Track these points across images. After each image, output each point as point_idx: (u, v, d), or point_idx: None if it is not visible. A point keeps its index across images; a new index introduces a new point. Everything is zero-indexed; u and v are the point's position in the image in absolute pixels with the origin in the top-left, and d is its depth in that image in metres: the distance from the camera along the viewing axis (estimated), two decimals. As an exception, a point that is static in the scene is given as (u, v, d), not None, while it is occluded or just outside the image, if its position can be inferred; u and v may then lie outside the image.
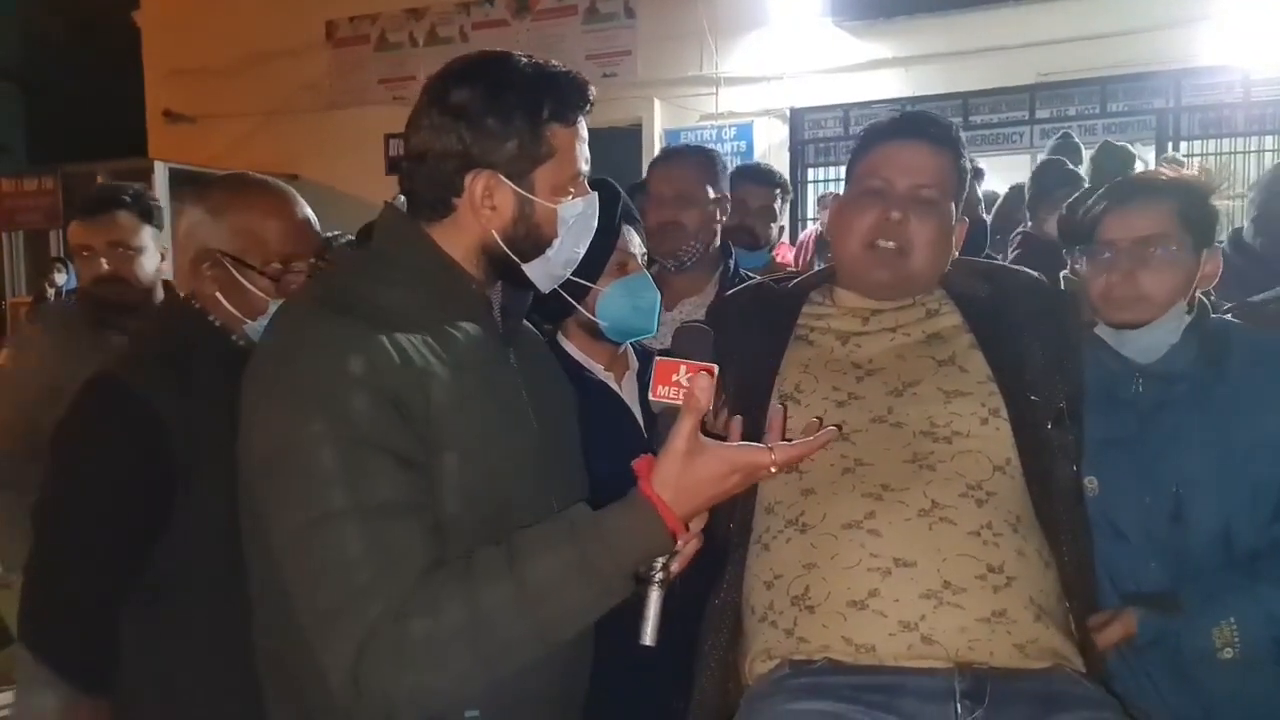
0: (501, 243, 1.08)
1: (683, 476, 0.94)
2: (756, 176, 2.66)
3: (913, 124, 1.33)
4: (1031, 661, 1.07)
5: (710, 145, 7.23)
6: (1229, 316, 1.52)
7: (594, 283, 1.44)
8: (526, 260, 1.10)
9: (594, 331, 1.55)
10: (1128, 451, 1.37)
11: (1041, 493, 1.18)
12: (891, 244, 1.26)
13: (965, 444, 1.17)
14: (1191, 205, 1.37)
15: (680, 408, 0.99)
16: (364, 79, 8.44)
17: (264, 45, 8.52)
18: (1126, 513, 1.37)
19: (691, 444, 0.94)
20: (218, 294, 1.37)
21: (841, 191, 1.41)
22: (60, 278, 7.62)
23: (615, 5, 7.59)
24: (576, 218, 1.11)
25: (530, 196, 1.07)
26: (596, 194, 1.14)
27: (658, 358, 1.07)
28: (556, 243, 1.10)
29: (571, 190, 1.09)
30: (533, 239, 1.09)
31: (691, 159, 2.24)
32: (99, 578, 1.31)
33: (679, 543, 0.97)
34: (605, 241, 1.50)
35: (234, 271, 1.36)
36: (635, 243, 1.59)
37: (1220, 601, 1.28)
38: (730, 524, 1.22)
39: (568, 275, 1.16)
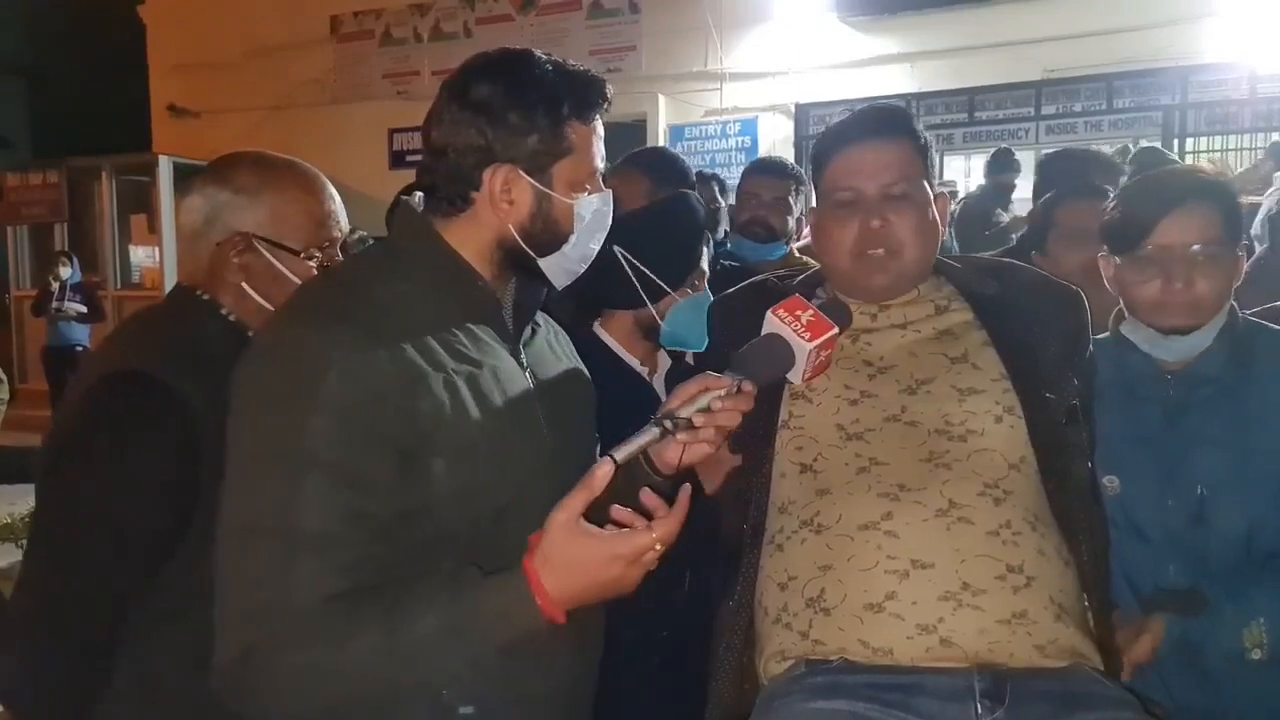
0: (518, 237, 1.08)
1: (560, 554, 0.93)
2: (768, 169, 2.66)
3: (863, 125, 1.31)
4: (1051, 661, 1.06)
5: (713, 141, 7.28)
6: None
7: (675, 289, 1.51)
8: (542, 255, 1.11)
9: (648, 331, 1.58)
10: (1151, 452, 1.37)
11: (1058, 490, 1.18)
12: (880, 250, 1.26)
13: (980, 442, 1.16)
14: (1230, 206, 1.37)
15: (782, 337, 1.10)
16: (368, 74, 8.45)
17: (268, 40, 8.54)
18: (1148, 513, 1.36)
19: (568, 521, 0.93)
20: (243, 283, 1.27)
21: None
22: (65, 271, 7.64)
23: (619, 0, 7.57)
24: (593, 214, 1.12)
25: (548, 191, 1.08)
26: (608, 191, 1.15)
27: (797, 294, 1.16)
28: (572, 238, 1.11)
29: (588, 187, 1.11)
30: (549, 234, 1.10)
31: (630, 165, 2.26)
32: (112, 588, 1.16)
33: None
34: (693, 253, 1.56)
35: (271, 258, 1.27)
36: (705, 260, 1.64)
37: (1249, 601, 1.27)
38: (744, 524, 1.21)
39: (582, 267, 1.16)
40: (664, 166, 2.30)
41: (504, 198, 1.06)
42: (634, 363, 1.58)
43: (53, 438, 1.23)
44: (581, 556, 0.93)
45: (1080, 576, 1.15)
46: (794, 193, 2.53)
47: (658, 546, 0.95)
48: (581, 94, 1.07)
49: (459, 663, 0.96)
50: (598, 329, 1.60)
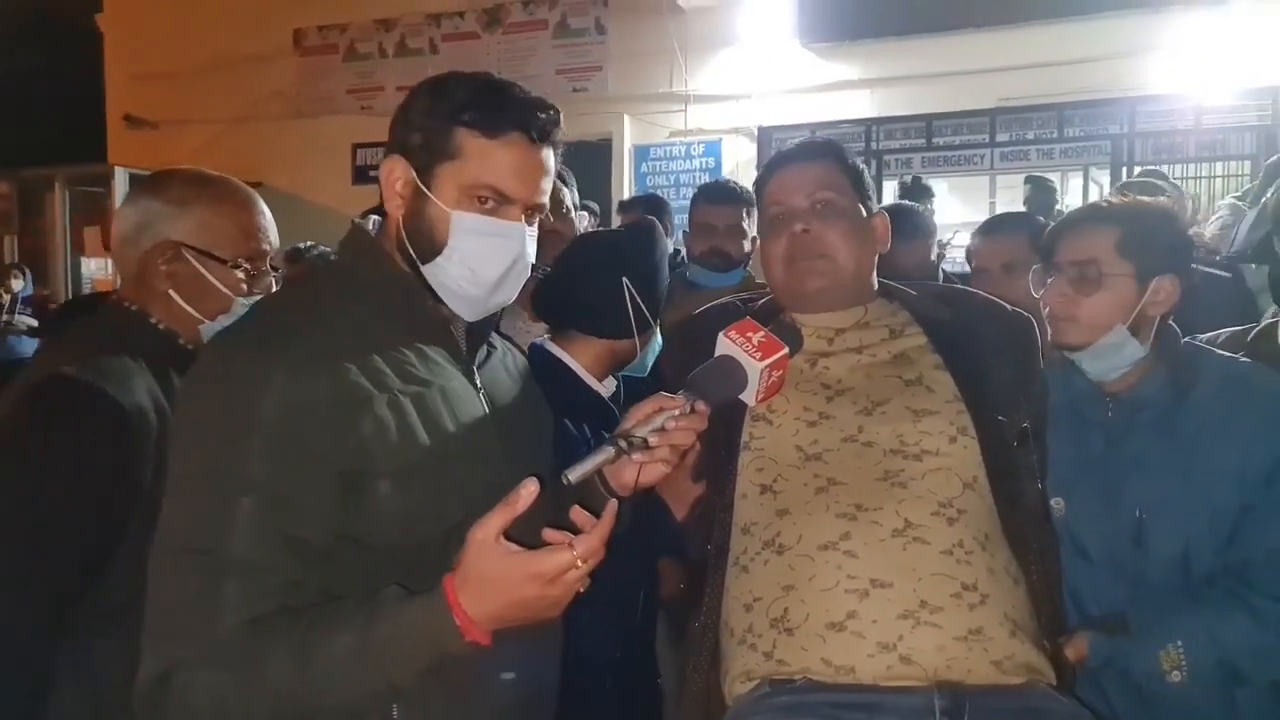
0: (404, 233, 1.08)
1: (477, 572, 0.90)
2: (719, 197, 2.51)
3: (790, 152, 1.43)
4: (1008, 677, 1.09)
5: (677, 162, 7.33)
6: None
7: (655, 323, 1.55)
8: (424, 261, 1.08)
9: (622, 361, 1.59)
10: (1094, 474, 1.40)
11: (1009, 510, 1.21)
12: (808, 254, 1.32)
13: (935, 462, 1.19)
14: (1136, 232, 1.39)
15: (734, 358, 1.11)
16: (332, 88, 8.37)
17: (230, 51, 8.42)
18: (1090, 534, 1.40)
19: (485, 539, 0.89)
20: (171, 291, 1.29)
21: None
22: (16, 284, 7.41)
23: (586, 21, 7.62)
24: (472, 233, 1.06)
25: (425, 190, 1.06)
26: (510, 224, 1.07)
27: (749, 316, 1.18)
28: (447, 250, 1.06)
29: (477, 203, 1.06)
30: (425, 237, 1.07)
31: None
32: (48, 589, 1.18)
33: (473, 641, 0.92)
34: (666, 286, 1.58)
35: (199, 266, 1.29)
36: None
37: (1166, 625, 1.30)
38: (708, 545, 1.22)
39: (471, 292, 1.09)
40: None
41: (394, 187, 1.07)
42: (590, 380, 1.58)
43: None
44: (497, 575, 0.89)
45: (1031, 595, 1.18)
46: (746, 216, 2.51)
47: (580, 564, 0.91)
48: (492, 106, 1.04)
49: (377, 684, 0.92)
50: (551, 346, 1.58)
